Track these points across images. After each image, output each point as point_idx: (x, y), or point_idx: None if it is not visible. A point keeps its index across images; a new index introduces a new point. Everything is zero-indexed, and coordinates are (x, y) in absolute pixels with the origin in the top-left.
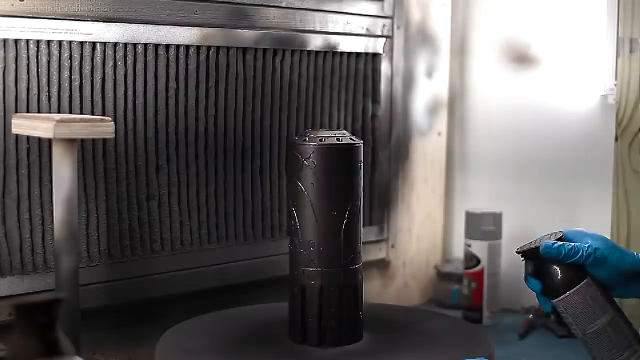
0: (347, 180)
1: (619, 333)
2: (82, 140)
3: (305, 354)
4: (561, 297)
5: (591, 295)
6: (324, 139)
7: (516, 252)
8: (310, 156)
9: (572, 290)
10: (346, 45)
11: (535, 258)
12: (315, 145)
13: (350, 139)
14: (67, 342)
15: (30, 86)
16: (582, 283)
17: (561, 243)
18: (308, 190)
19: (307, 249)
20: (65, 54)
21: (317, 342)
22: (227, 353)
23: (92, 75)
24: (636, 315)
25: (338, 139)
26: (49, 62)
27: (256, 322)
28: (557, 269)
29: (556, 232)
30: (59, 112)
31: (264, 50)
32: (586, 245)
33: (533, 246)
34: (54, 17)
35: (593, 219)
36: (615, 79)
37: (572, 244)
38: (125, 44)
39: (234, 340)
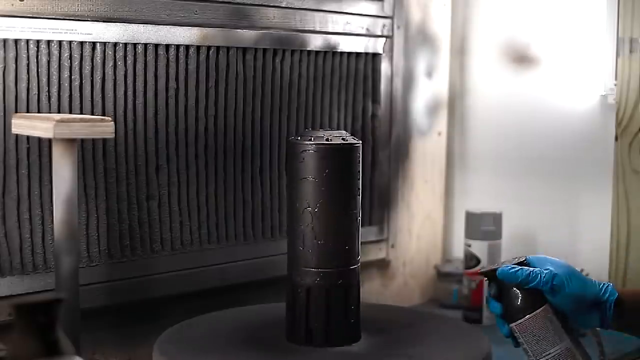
0: (346, 180)
1: None
2: (82, 140)
3: (304, 354)
4: (517, 321)
5: (547, 322)
6: (324, 139)
7: (478, 273)
8: (309, 156)
9: (528, 316)
10: (346, 45)
11: (497, 280)
12: (314, 145)
13: (350, 139)
14: (67, 342)
15: (30, 86)
16: (538, 310)
17: (519, 268)
18: (307, 190)
19: (305, 249)
20: (65, 54)
21: (315, 342)
22: (226, 353)
23: (92, 75)
24: None
25: (337, 139)
26: (49, 62)
27: (255, 323)
28: (517, 293)
29: (520, 257)
30: (59, 112)
31: (264, 50)
32: (545, 272)
33: (493, 268)
34: (54, 17)
35: (593, 219)
36: (615, 79)
37: (531, 269)
38: (125, 44)
39: (233, 341)
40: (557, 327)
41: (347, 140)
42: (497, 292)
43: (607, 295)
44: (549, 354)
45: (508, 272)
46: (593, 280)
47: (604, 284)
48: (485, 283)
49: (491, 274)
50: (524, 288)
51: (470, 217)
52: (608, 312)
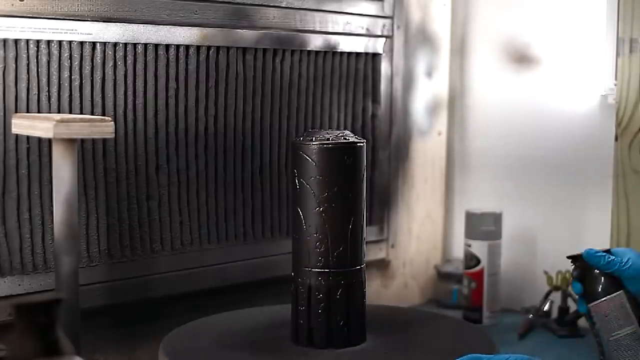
0: (351, 180)
1: (636, 346)
2: (82, 140)
3: (309, 355)
4: (595, 302)
5: (619, 307)
6: (327, 139)
7: (567, 257)
8: (312, 156)
9: (604, 298)
10: (346, 45)
11: (582, 264)
12: (318, 145)
13: (354, 138)
14: (67, 342)
15: (30, 86)
16: (613, 294)
17: (603, 253)
18: (310, 190)
19: (309, 249)
20: (65, 54)
21: (320, 343)
22: (231, 355)
23: (92, 75)
24: None
25: (341, 139)
26: (49, 62)
27: (260, 324)
28: (598, 277)
29: (607, 249)
30: (59, 112)
31: (264, 50)
32: (624, 260)
33: (580, 253)
34: (54, 17)
35: (593, 219)
36: (615, 79)
37: (612, 257)
38: (125, 44)
39: (238, 342)
40: (628, 312)
41: (351, 140)
42: (579, 275)
43: None
44: (616, 334)
45: (593, 254)
46: None
47: None
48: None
49: (575, 257)
50: (603, 273)
51: (470, 217)
52: None
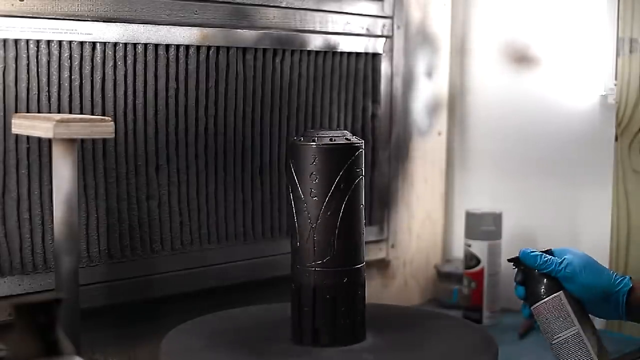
0: (348, 180)
1: (580, 348)
2: (82, 140)
3: (309, 354)
4: (535, 304)
5: (560, 308)
6: (325, 139)
7: (507, 260)
8: (310, 156)
9: (544, 300)
10: (346, 45)
11: (522, 267)
12: (316, 145)
13: (352, 138)
14: (67, 342)
15: (30, 86)
16: (552, 296)
17: (538, 253)
18: (308, 190)
19: (307, 249)
20: (65, 54)
21: (319, 342)
22: (230, 353)
23: (92, 75)
24: None
25: (338, 139)
26: (49, 62)
27: (261, 323)
28: (538, 279)
29: (548, 249)
30: (59, 112)
31: (264, 50)
32: (560, 260)
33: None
34: (54, 17)
35: (593, 219)
36: (615, 79)
37: (549, 257)
38: (125, 44)
39: (237, 340)
40: (568, 313)
41: (350, 140)
42: (522, 278)
43: (620, 286)
44: (559, 337)
45: (528, 254)
46: (611, 272)
47: (621, 276)
48: (514, 271)
49: (514, 259)
50: (542, 274)
51: (470, 217)
52: (620, 303)
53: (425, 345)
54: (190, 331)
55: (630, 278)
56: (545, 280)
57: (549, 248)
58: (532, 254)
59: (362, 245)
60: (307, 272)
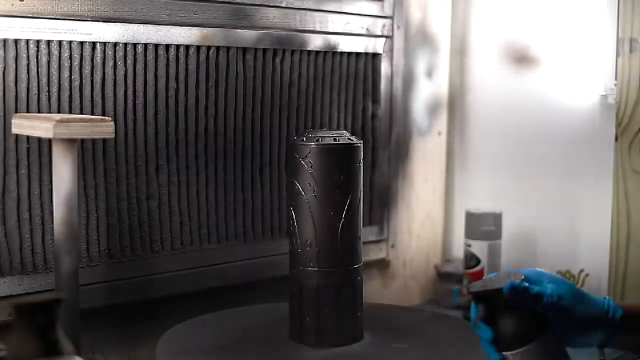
0: (346, 180)
1: None
2: (82, 140)
3: (305, 353)
4: (513, 351)
5: (544, 355)
6: (323, 139)
7: (469, 292)
8: (308, 156)
9: (525, 347)
10: (346, 45)
11: (491, 301)
12: (314, 145)
13: (349, 138)
14: (67, 342)
15: (30, 86)
16: (536, 340)
17: (528, 285)
18: (307, 190)
19: (306, 249)
20: (65, 54)
21: (317, 341)
22: (227, 353)
23: (92, 75)
24: None
25: (336, 139)
26: (49, 62)
27: (257, 322)
28: (514, 317)
29: (516, 272)
30: (59, 112)
31: (264, 50)
32: (549, 291)
33: (494, 287)
34: (54, 17)
35: (593, 219)
36: (615, 78)
37: (538, 288)
38: (125, 44)
39: (234, 340)
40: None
41: (346, 140)
42: (487, 315)
43: (611, 312)
44: None
45: (518, 289)
46: (592, 296)
47: (604, 299)
48: (472, 303)
49: (487, 293)
50: (520, 311)
51: (470, 217)
52: (613, 330)
53: (423, 345)
54: (186, 332)
55: (612, 300)
56: (524, 318)
57: (517, 272)
58: (521, 287)
59: (360, 246)
60: (306, 272)
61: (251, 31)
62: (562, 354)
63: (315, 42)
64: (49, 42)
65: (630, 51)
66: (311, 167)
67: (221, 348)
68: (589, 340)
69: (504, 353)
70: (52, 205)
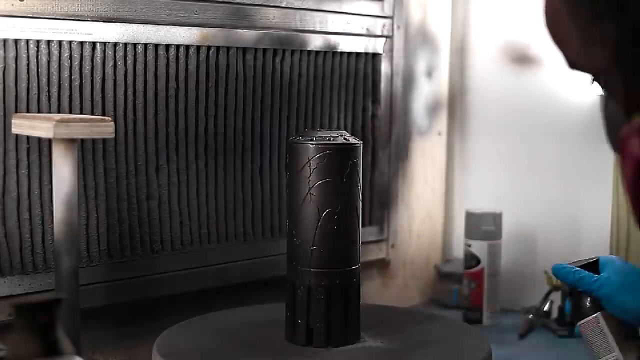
0: (345, 180)
1: None
2: (82, 140)
3: (304, 354)
4: (579, 322)
5: (597, 330)
6: (323, 139)
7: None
8: (308, 156)
9: (583, 321)
10: (346, 45)
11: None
12: (313, 145)
13: (349, 138)
14: (67, 342)
15: (30, 86)
16: (590, 317)
17: (571, 269)
18: (306, 190)
19: (305, 249)
20: (65, 54)
21: (314, 342)
22: (224, 353)
23: (92, 75)
24: None
25: (336, 139)
26: (49, 62)
27: (254, 323)
28: (579, 294)
29: (592, 258)
30: (59, 112)
31: (264, 50)
32: (594, 278)
33: (589, 261)
34: (54, 17)
35: (593, 219)
36: None
37: (583, 272)
38: (125, 44)
39: (231, 341)
40: (607, 338)
41: (347, 140)
42: (569, 291)
43: None
44: (602, 358)
45: (560, 271)
46: None
47: None
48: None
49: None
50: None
51: (470, 217)
52: None
53: (418, 347)
54: (183, 332)
55: None
56: (582, 297)
57: (595, 257)
58: (564, 269)
59: (358, 247)
60: (303, 271)
61: (251, 31)
62: (611, 333)
63: (315, 42)
64: (49, 42)
65: None
66: (310, 167)
67: (217, 349)
68: None
69: (577, 324)
70: (52, 205)
